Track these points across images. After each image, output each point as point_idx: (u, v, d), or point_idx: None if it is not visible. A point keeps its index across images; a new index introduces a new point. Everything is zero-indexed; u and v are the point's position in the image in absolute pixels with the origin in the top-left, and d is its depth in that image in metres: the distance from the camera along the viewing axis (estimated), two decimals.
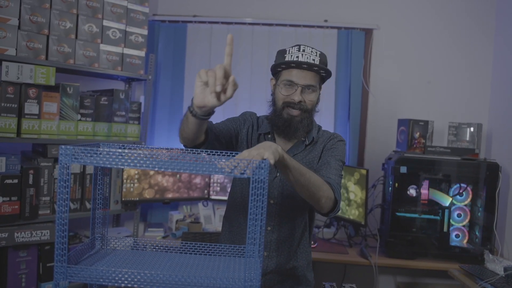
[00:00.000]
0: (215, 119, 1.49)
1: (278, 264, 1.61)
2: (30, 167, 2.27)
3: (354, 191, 2.73)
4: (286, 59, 1.54)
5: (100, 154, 1.00)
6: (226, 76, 1.11)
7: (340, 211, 2.81)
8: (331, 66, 3.18)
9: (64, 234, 0.97)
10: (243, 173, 0.99)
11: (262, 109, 3.20)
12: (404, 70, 3.23)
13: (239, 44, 3.18)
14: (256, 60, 3.21)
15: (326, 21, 3.19)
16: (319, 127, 1.71)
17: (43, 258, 2.33)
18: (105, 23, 2.59)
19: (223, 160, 1.02)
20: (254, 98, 3.20)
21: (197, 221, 2.95)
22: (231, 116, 1.72)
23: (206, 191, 3.04)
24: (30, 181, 2.25)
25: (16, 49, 2.24)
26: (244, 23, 3.20)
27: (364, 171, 2.68)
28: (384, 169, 2.81)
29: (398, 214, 2.63)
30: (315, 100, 1.58)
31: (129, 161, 0.97)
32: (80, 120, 2.48)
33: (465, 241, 2.69)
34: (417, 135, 2.78)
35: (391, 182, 2.64)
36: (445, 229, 2.63)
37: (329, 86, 3.19)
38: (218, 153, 1.20)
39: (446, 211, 2.63)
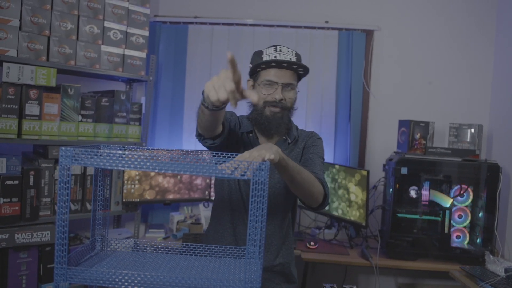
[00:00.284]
0: None
1: (266, 262, 1.63)
2: (31, 168, 2.27)
3: (355, 192, 2.73)
4: (264, 59, 1.57)
5: (100, 155, 1.00)
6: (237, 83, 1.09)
7: (341, 212, 2.81)
8: (332, 67, 3.20)
9: (64, 235, 0.97)
10: (243, 175, 0.99)
11: None
12: (405, 71, 3.22)
13: (240, 45, 3.18)
14: None
15: (327, 22, 3.19)
16: (296, 126, 1.74)
17: (43, 260, 2.33)
18: (106, 24, 2.59)
19: (224, 162, 1.02)
20: None
21: (198, 222, 2.95)
22: None
23: (207, 192, 3.04)
24: (31, 182, 2.25)
25: (17, 50, 2.25)
26: (245, 24, 3.20)
27: (365, 172, 2.68)
28: (385, 170, 2.81)
29: (399, 215, 2.62)
30: (294, 98, 1.61)
31: (129, 162, 0.97)
32: (81, 121, 2.49)
33: (466, 242, 2.69)
34: (417, 136, 2.77)
35: (392, 183, 2.64)
36: (446, 230, 2.62)
37: (330, 87, 3.19)
38: (219, 154, 1.20)
39: (447, 212, 2.62)
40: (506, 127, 2.89)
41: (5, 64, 2.16)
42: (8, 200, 2.17)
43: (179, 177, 2.93)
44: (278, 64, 1.53)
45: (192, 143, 3.19)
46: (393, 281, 3.19)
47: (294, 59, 1.57)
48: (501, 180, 2.59)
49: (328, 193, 1.49)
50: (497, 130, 3.01)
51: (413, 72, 3.22)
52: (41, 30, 2.33)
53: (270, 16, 3.22)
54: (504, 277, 2.20)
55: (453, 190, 2.66)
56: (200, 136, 1.45)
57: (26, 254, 2.27)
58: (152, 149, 1.29)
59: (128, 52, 2.70)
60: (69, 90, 2.43)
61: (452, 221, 2.66)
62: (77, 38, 2.48)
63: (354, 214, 2.74)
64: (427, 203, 2.64)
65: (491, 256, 2.43)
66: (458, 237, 2.69)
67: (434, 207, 2.64)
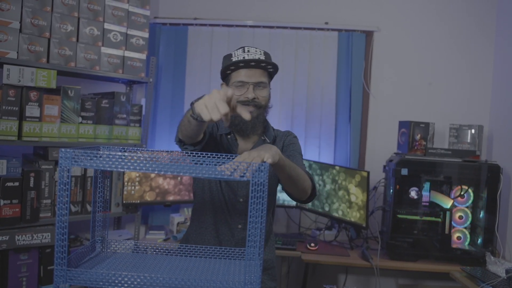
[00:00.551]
0: None
1: None
2: (31, 170, 2.27)
3: (355, 193, 2.73)
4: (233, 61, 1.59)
5: (100, 157, 1.00)
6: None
7: (341, 213, 2.81)
8: (332, 68, 3.20)
9: (64, 237, 0.97)
10: (243, 176, 0.99)
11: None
12: (405, 72, 3.23)
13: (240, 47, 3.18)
14: None
15: (326, 23, 3.19)
16: (272, 127, 1.77)
17: (44, 261, 2.33)
18: (106, 26, 2.60)
19: (224, 163, 1.02)
20: None
21: None
22: None
23: None
24: (31, 184, 2.25)
25: (17, 52, 2.25)
26: (245, 25, 3.21)
27: (365, 173, 2.68)
28: (385, 171, 2.81)
29: (399, 216, 2.62)
30: (267, 96, 1.62)
31: (129, 164, 0.97)
32: (81, 123, 2.49)
33: (466, 243, 2.68)
34: (418, 137, 2.77)
35: (392, 184, 2.64)
36: (446, 231, 2.62)
37: (329, 88, 3.19)
38: (218, 156, 1.20)
39: (448, 213, 2.62)
40: (507, 128, 2.89)
41: (5, 66, 2.17)
42: (9, 201, 2.17)
43: (179, 178, 2.93)
44: (246, 64, 1.55)
45: None
46: (393, 282, 3.19)
47: (262, 58, 1.58)
48: (501, 180, 2.59)
49: (315, 185, 1.54)
50: (498, 131, 3.01)
51: (413, 73, 3.22)
52: (42, 32, 2.34)
53: (270, 17, 3.23)
54: (505, 278, 2.20)
55: (453, 191, 2.66)
56: (181, 142, 1.46)
57: (26, 255, 2.27)
58: (152, 151, 1.29)
59: (128, 53, 2.70)
60: (69, 92, 2.43)
61: (452, 222, 2.66)
62: (77, 40, 2.49)
63: (355, 215, 2.74)
64: (427, 204, 2.64)
65: (492, 257, 2.42)
66: (458, 238, 2.69)
67: (435, 208, 2.64)
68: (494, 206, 2.58)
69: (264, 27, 3.20)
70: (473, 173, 2.63)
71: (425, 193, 2.64)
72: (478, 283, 2.22)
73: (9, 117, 2.19)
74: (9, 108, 2.19)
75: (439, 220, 2.63)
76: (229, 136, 1.66)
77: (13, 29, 2.23)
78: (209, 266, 1.17)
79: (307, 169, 1.61)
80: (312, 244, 2.71)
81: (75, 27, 2.47)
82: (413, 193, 2.63)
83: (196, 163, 1.07)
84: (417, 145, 2.77)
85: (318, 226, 3.14)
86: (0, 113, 2.17)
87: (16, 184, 2.20)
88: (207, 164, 1.13)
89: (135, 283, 0.98)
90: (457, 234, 2.69)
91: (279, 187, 2.98)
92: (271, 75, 1.65)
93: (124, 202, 2.74)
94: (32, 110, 2.27)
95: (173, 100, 3.21)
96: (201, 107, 1.12)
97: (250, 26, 3.21)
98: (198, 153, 1.29)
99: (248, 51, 1.58)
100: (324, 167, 2.95)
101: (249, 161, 1.11)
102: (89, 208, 2.53)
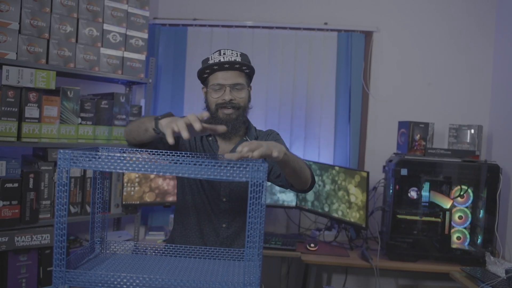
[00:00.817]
0: None
1: None
2: (31, 171, 2.27)
3: (355, 194, 2.73)
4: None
5: (99, 158, 1.00)
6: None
7: (341, 214, 2.81)
8: (331, 68, 3.20)
9: (63, 238, 0.97)
10: (241, 177, 0.99)
11: (262, 113, 3.21)
12: (405, 72, 3.22)
13: (240, 47, 3.18)
14: (256, 63, 3.17)
15: (326, 24, 3.19)
16: (255, 127, 1.78)
17: (43, 262, 2.33)
18: (106, 27, 2.60)
19: (224, 165, 1.01)
20: (255, 102, 3.19)
21: None
22: None
23: None
24: (31, 185, 2.25)
25: (16, 53, 2.25)
26: (245, 26, 3.21)
27: (364, 174, 2.68)
28: (384, 172, 2.81)
29: (399, 216, 2.62)
30: (245, 97, 1.63)
31: (127, 165, 0.97)
32: (80, 123, 2.49)
33: (466, 243, 2.68)
34: (417, 137, 2.77)
35: (392, 185, 2.64)
36: (446, 231, 2.62)
37: (329, 88, 3.19)
38: (221, 156, 1.20)
39: (447, 213, 2.62)
40: (506, 128, 2.89)
41: (4, 67, 2.17)
42: (8, 203, 2.17)
43: None
44: (220, 66, 1.57)
45: None
46: (393, 282, 3.18)
47: (238, 60, 1.59)
48: (501, 180, 2.59)
49: (312, 172, 1.57)
50: (497, 131, 3.01)
51: (412, 73, 3.22)
52: (41, 33, 2.34)
53: (269, 18, 3.23)
54: (505, 278, 2.20)
55: (453, 191, 2.65)
56: (127, 141, 1.52)
57: (25, 257, 2.27)
58: (151, 152, 1.29)
59: (128, 54, 2.70)
60: (68, 92, 2.43)
61: (452, 222, 2.66)
62: (77, 41, 2.49)
63: (354, 216, 2.73)
64: (427, 204, 2.64)
65: (492, 257, 2.42)
66: (458, 238, 2.69)
67: (434, 208, 2.64)
68: (493, 206, 2.58)
69: (263, 27, 3.21)
70: (473, 173, 2.63)
71: (425, 193, 2.64)
72: (478, 283, 2.21)
73: (8, 118, 2.19)
74: (8, 109, 2.19)
75: (439, 220, 2.63)
76: (210, 138, 1.68)
77: (12, 30, 2.23)
78: (208, 267, 1.17)
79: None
80: (312, 245, 2.71)
81: (74, 28, 2.47)
82: (412, 193, 2.63)
83: (195, 164, 1.07)
84: (416, 145, 2.77)
85: (317, 226, 3.14)
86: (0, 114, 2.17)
87: (16, 185, 2.19)
88: (206, 165, 1.13)
89: (134, 284, 0.98)
90: (457, 234, 2.69)
91: (279, 188, 2.99)
92: (249, 77, 1.67)
93: (123, 203, 2.74)
94: (31, 111, 2.27)
95: (172, 100, 3.21)
96: (169, 127, 1.17)
97: (250, 27, 3.21)
98: (197, 154, 1.29)
99: (224, 53, 1.59)
100: (324, 167, 2.95)
101: (258, 149, 1.13)
102: (88, 209, 2.53)
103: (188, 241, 1.67)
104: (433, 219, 2.64)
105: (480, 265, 2.50)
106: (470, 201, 2.67)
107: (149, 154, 1.30)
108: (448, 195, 2.65)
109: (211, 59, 1.60)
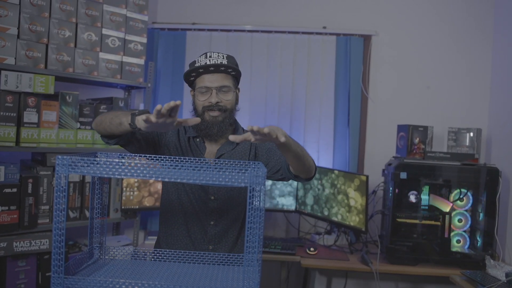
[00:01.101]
0: None
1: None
2: (29, 176, 2.26)
3: (354, 198, 2.73)
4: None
5: (97, 164, 0.99)
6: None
7: (340, 217, 2.81)
8: (330, 72, 3.20)
9: (61, 244, 0.97)
10: (240, 182, 0.98)
11: (261, 117, 3.21)
12: (403, 75, 3.23)
13: (238, 52, 3.19)
14: (255, 67, 3.21)
15: (324, 27, 3.20)
16: (242, 127, 1.78)
17: (42, 268, 2.32)
18: (104, 31, 2.60)
19: (225, 168, 1.01)
20: (253, 105, 3.21)
21: None
22: None
23: None
24: (29, 190, 2.25)
25: (15, 58, 2.25)
26: (243, 30, 3.21)
27: (364, 177, 2.68)
28: (384, 175, 2.81)
29: (398, 220, 2.62)
30: (232, 99, 1.65)
31: (126, 170, 0.97)
32: (79, 128, 2.49)
33: (466, 246, 2.68)
34: (416, 140, 2.77)
35: (391, 188, 2.63)
36: (446, 235, 2.61)
37: (328, 92, 3.19)
38: (220, 161, 1.20)
39: (447, 216, 2.61)
40: (505, 131, 2.89)
41: (3, 72, 2.17)
42: (6, 208, 2.16)
43: None
44: (205, 69, 1.59)
45: None
46: (393, 286, 3.17)
47: (224, 62, 1.60)
48: (500, 183, 2.58)
49: (313, 159, 1.58)
50: (496, 134, 3.01)
51: (411, 77, 3.22)
52: (39, 37, 2.34)
53: (268, 22, 3.23)
54: (505, 281, 2.19)
55: (452, 195, 2.65)
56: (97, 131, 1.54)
57: (24, 262, 2.26)
58: (150, 157, 1.29)
59: (126, 59, 2.70)
60: (67, 97, 2.43)
61: (452, 226, 2.65)
62: (75, 46, 2.49)
63: (354, 220, 2.73)
64: (426, 207, 2.63)
65: (492, 261, 2.42)
66: (458, 241, 2.68)
67: (434, 212, 2.64)
68: (493, 209, 2.58)
69: (262, 31, 3.21)
70: (472, 176, 2.63)
71: (424, 197, 2.64)
72: (478, 287, 2.21)
73: (7, 123, 2.19)
74: (7, 114, 2.19)
75: (439, 223, 2.63)
76: (197, 140, 1.69)
77: (11, 35, 2.23)
78: (208, 272, 1.17)
79: None
80: (312, 249, 2.71)
81: (73, 33, 2.47)
82: (412, 197, 2.63)
83: (194, 169, 1.07)
84: (415, 148, 2.77)
85: (317, 230, 3.13)
86: None
87: (14, 190, 2.19)
88: (205, 170, 1.13)
89: None
90: (457, 238, 2.69)
91: (278, 192, 2.99)
92: (236, 79, 1.69)
93: (122, 207, 2.74)
94: (30, 116, 2.27)
95: None
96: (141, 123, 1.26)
97: (249, 31, 3.21)
98: (197, 159, 1.28)
99: (210, 56, 1.60)
100: (323, 171, 2.95)
101: (267, 127, 1.19)
102: (87, 213, 2.52)
103: (175, 241, 1.67)
104: (432, 222, 2.64)
105: (480, 268, 2.49)
106: (469, 204, 2.67)
107: (147, 159, 1.30)
108: (447, 198, 2.64)
109: (198, 62, 1.61)
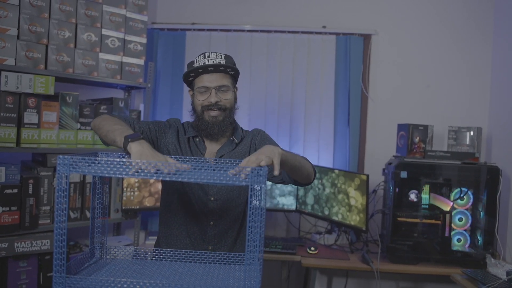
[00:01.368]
0: None
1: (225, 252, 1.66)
2: (30, 176, 2.26)
3: (355, 197, 2.73)
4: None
5: (98, 163, 1.00)
6: None
7: (341, 217, 2.81)
8: (330, 71, 3.20)
9: (63, 244, 0.97)
10: (241, 181, 0.99)
11: (262, 117, 3.21)
12: (403, 74, 3.23)
13: (238, 51, 3.19)
14: (255, 67, 3.21)
15: (324, 27, 3.20)
16: (241, 127, 1.79)
17: (43, 268, 2.32)
18: (104, 32, 2.60)
19: (225, 168, 1.01)
20: (253, 105, 3.21)
21: None
22: None
23: None
24: (30, 191, 2.25)
25: (15, 59, 2.25)
26: (243, 30, 3.21)
27: (364, 177, 2.68)
28: (384, 174, 2.81)
29: (399, 219, 2.62)
30: (231, 98, 1.65)
31: (127, 170, 0.97)
32: (79, 129, 2.49)
33: (467, 245, 2.68)
34: (417, 139, 2.77)
35: (391, 187, 2.63)
36: (446, 234, 2.62)
37: (328, 91, 3.19)
38: (222, 161, 1.21)
39: (447, 215, 2.62)
40: (505, 130, 2.89)
41: (3, 73, 2.17)
42: (7, 208, 2.16)
43: None
44: (205, 69, 1.59)
45: None
46: (394, 285, 3.18)
47: (223, 61, 1.61)
48: (501, 182, 2.58)
49: (312, 165, 1.59)
50: (496, 133, 3.01)
51: (411, 76, 3.22)
52: (39, 38, 2.34)
53: (268, 21, 3.23)
54: (506, 280, 2.19)
55: (453, 193, 2.65)
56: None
57: (25, 262, 2.26)
58: None
59: (126, 59, 2.70)
60: (67, 98, 2.43)
61: (452, 224, 2.65)
62: (75, 46, 2.49)
63: (354, 219, 2.73)
64: (427, 206, 2.64)
65: (493, 259, 2.42)
66: (459, 240, 2.69)
67: (435, 211, 2.64)
68: (494, 208, 2.58)
69: (262, 31, 3.21)
70: (473, 175, 2.63)
71: (425, 196, 2.64)
72: (479, 286, 2.21)
73: (7, 124, 2.19)
74: (7, 115, 2.19)
75: (439, 222, 2.63)
76: (197, 139, 1.69)
77: (11, 36, 2.23)
78: (209, 272, 1.17)
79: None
80: (312, 248, 2.71)
81: (72, 33, 2.47)
82: (412, 196, 2.63)
83: (194, 168, 1.07)
84: (416, 147, 2.77)
85: (318, 230, 3.13)
86: None
87: (15, 191, 2.19)
88: (205, 169, 1.13)
89: None
90: (457, 237, 2.69)
91: (279, 192, 2.99)
92: (234, 78, 1.70)
93: (123, 208, 2.74)
94: (30, 116, 2.27)
95: (171, 105, 3.21)
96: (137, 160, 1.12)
97: (248, 31, 3.21)
98: (195, 159, 1.29)
99: (208, 56, 1.61)
100: (323, 170, 2.95)
101: (248, 166, 1.12)
102: (88, 214, 2.52)
103: (175, 241, 1.68)
104: (433, 221, 2.64)
105: (480, 267, 2.49)
106: (470, 203, 2.67)
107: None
108: (448, 197, 2.64)
109: (196, 63, 1.62)
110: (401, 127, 2.87)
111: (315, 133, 3.19)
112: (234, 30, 3.21)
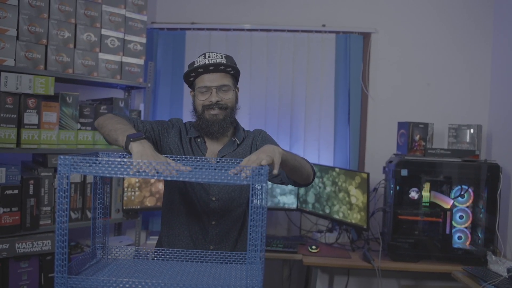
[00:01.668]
0: None
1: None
2: (31, 177, 2.26)
3: (356, 195, 2.73)
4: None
5: (99, 163, 1.00)
6: None
7: (341, 215, 2.81)
8: (330, 70, 3.20)
9: (64, 244, 0.97)
10: (242, 180, 0.99)
11: (262, 116, 3.21)
12: (403, 72, 3.23)
13: (238, 51, 3.19)
14: (255, 66, 3.21)
15: (324, 25, 3.20)
16: (243, 128, 1.80)
17: (44, 269, 2.32)
18: (104, 32, 2.60)
19: (226, 168, 1.01)
20: (253, 104, 3.20)
21: None
22: None
23: None
24: (31, 192, 2.25)
25: (14, 60, 2.25)
26: (243, 29, 3.21)
27: (365, 175, 2.68)
28: (385, 173, 2.81)
29: (400, 217, 2.62)
30: (232, 98, 1.66)
31: (128, 170, 0.97)
32: (80, 129, 2.49)
33: (467, 243, 2.68)
34: (417, 137, 2.77)
35: (392, 185, 2.63)
36: (447, 231, 2.62)
37: (328, 90, 3.19)
38: (223, 161, 1.21)
39: (448, 213, 2.62)
40: (506, 127, 2.89)
41: (3, 74, 2.17)
42: (8, 209, 2.16)
43: None
44: (205, 69, 1.60)
45: None
46: (395, 283, 3.18)
47: (223, 61, 1.61)
48: (501, 180, 2.58)
49: (312, 166, 1.60)
50: (497, 130, 3.01)
51: (411, 74, 3.22)
52: (39, 39, 2.34)
53: (267, 20, 3.23)
54: (507, 277, 2.19)
55: (453, 191, 2.65)
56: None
57: (26, 263, 2.26)
58: None
59: (126, 59, 2.70)
60: (67, 98, 2.43)
61: (453, 222, 2.65)
62: (75, 46, 2.49)
63: (355, 217, 2.73)
64: (428, 204, 2.64)
65: (493, 256, 2.42)
66: (459, 238, 2.69)
67: (435, 208, 2.64)
68: (494, 205, 2.58)
69: (261, 30, 3.21)
70: (473, 172, 2.63)
71: (425, 194, 2.64)
72: (480, 283, 2.21)
73: (7, 124, 2.19)
74: (7, 115, 2.19)
75: (440, 220, 2.63)
76: (198, 140, 1.69)
77: (10, 37, 2.23)
78: (210, 271, 1.17)
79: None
80: (313, 247, 2.71)
81: (72, 34, 2.47)
82: (413, 194, 2.63)
83: (195, 168, 1.07)
84: (416, 145, 2.77)
85: (319, 228, 3.14)
86: None
87: (16, 191, 2.19)
88: (206, 169, 1.13)
89: None
90: (458, 234, 2.69)
91: (279, 191, 2.99)
92: (235, 78, 1.70)
93: (124, 208, 2.74)
94: (30, 117, 2.27)
95: (171, 105, 3.21)
96: (137, 161, 1.10)
97: (248, 30, 3.21)
98: (194, 158, 1.28)
99: (209, 56, 1.61)
100: (324, 169, 2.95)
101: (250, 164, 1.13)
102: (89, 214, 2.52)
103: (177, 241, 1.68)
104: (434, 219, 2.64)
105: (481, 264, 2.49)
106: (470, 201, 2.67)
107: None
108: (448, 195, 2.64)
109: (197, 63, 1.62)
110: (401, 125, 2.87)
111: (316, 131, 3.19)
112: (234, 30, 3.21)
